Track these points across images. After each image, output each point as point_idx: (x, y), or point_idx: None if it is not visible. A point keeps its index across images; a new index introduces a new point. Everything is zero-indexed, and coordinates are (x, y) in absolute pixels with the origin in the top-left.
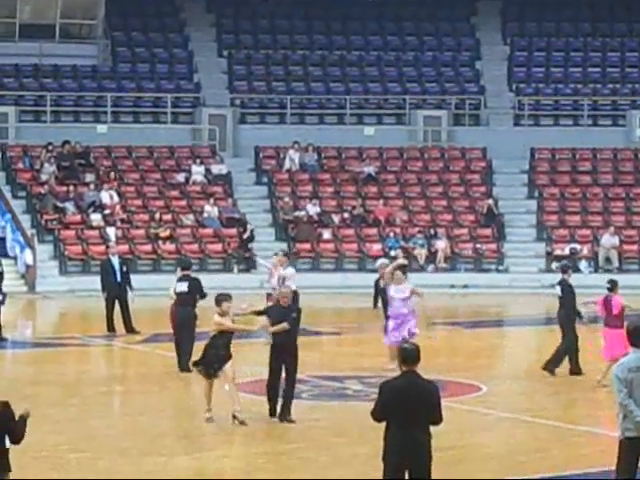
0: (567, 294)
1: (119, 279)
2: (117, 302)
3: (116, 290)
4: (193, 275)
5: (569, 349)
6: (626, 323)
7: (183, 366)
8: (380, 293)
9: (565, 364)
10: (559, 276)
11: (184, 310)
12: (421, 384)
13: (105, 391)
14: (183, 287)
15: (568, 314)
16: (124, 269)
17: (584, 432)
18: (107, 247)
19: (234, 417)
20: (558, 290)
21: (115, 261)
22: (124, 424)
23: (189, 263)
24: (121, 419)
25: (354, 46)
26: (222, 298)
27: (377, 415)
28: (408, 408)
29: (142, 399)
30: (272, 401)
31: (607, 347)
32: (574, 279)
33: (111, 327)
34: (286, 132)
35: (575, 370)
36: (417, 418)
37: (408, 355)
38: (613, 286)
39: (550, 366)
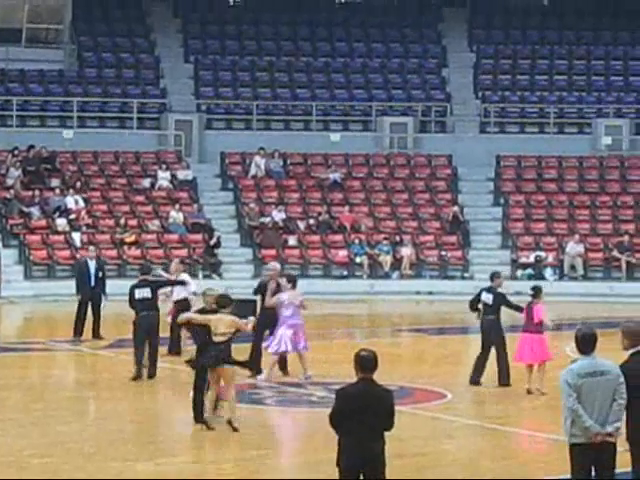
0: (497, 303)
1: (93, 283)
2: (89, 306)
3: (89, 294)
4: (152, 278)
5: (482, 357)
6: (575, 330)
7: (152, 374)
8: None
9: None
10: (522, 284)
11: (151, 315)
12: (377, 391)
13: (70, 396)
14: (145, 292)
15: (498, 322)
16: (100, 274)
17: (546, 439)
18: (86, 250)
19: (229, 422)
20: (488, 299)
21: (92, 265)
22: (89, 429)
23: (149, 268)
24: (86, 424)
25: (320, 52)
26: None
27: (333, 421)
28: (362, 415)
29: (107, 404)
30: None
31: (525, 351)
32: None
33: (79, 331)
34: (252, 138)
35: (503, 381)
36: (371, 425)
37: (366, 362)
38: (537, 292)
39: (503, 380)
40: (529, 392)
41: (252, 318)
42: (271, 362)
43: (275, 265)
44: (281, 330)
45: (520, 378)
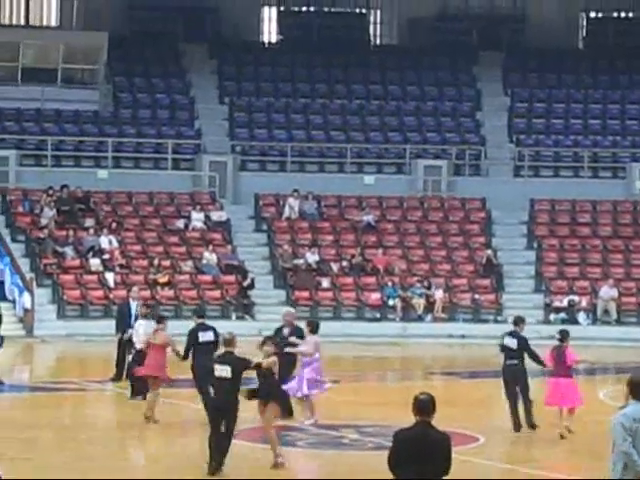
0: (521, 348)
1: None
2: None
3: (130, 336)
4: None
5: (511, 403)
6: (629, 375)
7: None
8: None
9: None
10: (555, 328)
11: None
12: (434, 435)
13: (99, 436)
14: (209, 336)
15: (523, 367)
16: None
17: None
18: (128, 291)
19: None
20: (513, 343)
21: (134, 306)
22: (119, 471)
23: (203, 311)
24: (117, 465)
25: (355, 95)
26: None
27: (391, 464)
28: (419, 459)
29: (140, 446)
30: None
31: (556, 396)
32: (573, 330)
33: (119, 373)
34: (286, 180)
35: (516, 428)
36: (427, 470)
37: (423, 406)
38: (564, 336)
39: (529, 422)
40: (562, 437)
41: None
42: (307, 406)
43: (289, 310)
44: (312, 374)
45: (552, 422)
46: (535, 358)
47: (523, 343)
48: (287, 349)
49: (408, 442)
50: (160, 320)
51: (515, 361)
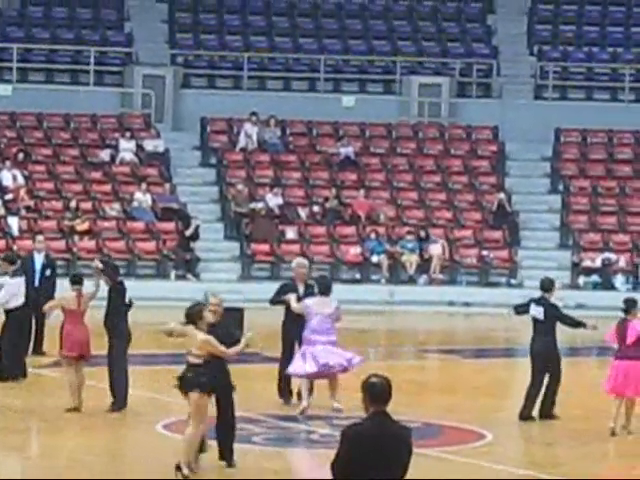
0: (551, 318)
1: (38, 283)
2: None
3: (33, 297)
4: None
5: (534, 389)
6: None
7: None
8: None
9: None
10: (586, 294)
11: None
12: (394, 429)
13: (1, 428)
14: None
15: (554, 344)
16: (48, 272)
17: None
18: (30, 240)
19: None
20: (539, 312)
21: (38, 260)
22: (26, 470)
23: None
24: (19, 464)
25: None
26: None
27: (338, 469)
28: (376, 460)
29: (46, 440)
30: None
31: (617, 382)
32: (607, 297)
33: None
34: (242, 100)
35: (525, 415)
36: (386, 472)
37: (379, 392)
38: (629, 307)
39: (546, 411)
40: (613, 434)
41: (249, 334)
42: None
43: (303, 262)
44: (304, 347)
45: (584, 415)
46: (571, 322)
47: (552, 312)
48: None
49: (362, 440)
50: (78, 281)
51: (543, 335)
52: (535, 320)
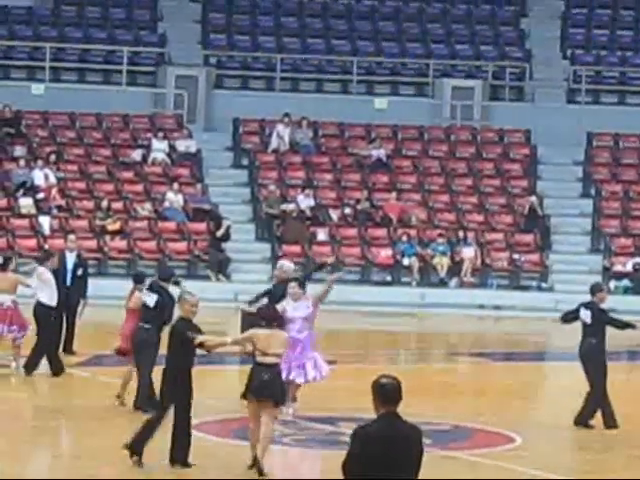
0: (599, 322)
1: (70, 283)
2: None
3: (64, 296)
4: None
5: (597, 395)
6: None
7: (140, 402)
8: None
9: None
10: (617, 299)
11: (144, 329)
12: (404, 430)
13: (33, 426)
14: (150, 299)
15: (599, 347)
16: (79, 272)
17: None
18: (62, 239)
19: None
20: (587, 316)
21: (70, 259)
22: (55, 469)
23: (169, 273)
24: (51, 463)
25: None
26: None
27: (348, 469)
28: (388, 461)
29: (78, 438)
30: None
31: None
32: (638, 302)
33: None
34: (274, 101)
35: (610, 423)
36: (398, 474)
37: (389, 393)
38: None
39: (582, 419)
40: None
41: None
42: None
43: (289, 265)
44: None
45: (620, 420)
46: (620, 324)
47: (599, 316)
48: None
49: (373, 441)
50: (141, 280)
51: (591, 339)
52: (584, 324)
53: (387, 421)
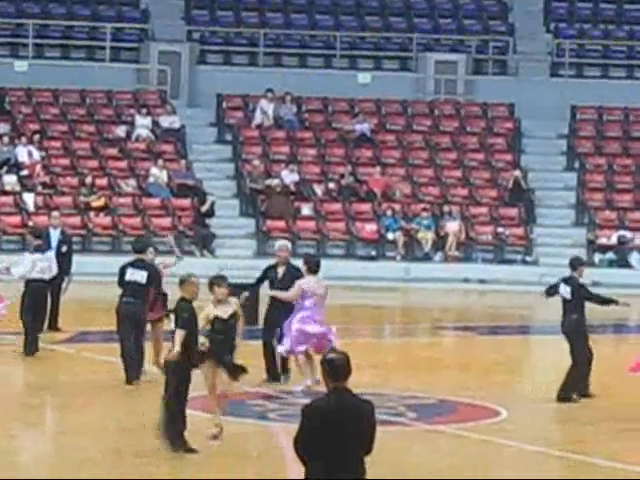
0: (579, 297)
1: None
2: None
3: None
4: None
5: (580, 367)
6: None
7: (130, 378)
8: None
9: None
10: (601, 272)
11: (134, 305)
12: (354, 404)
13: (20, 404)
14: (139, 276)
15: (579, 322)
16: (64, 248)
17: (632, 472)
18: (45, 216)
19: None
20: (567, 292)
21: (54, 235)
22: (41, 446)
23: (145, 245)
24: (38, 439)
25: None
26: (215, 282)
27: (299, 445)
28: (337, 435)
29: (63, 414)
30: None
31: None
32: (623, 275)
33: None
34: (258, 77)
35: (584, 393)
36: (348, 447)
37: (338, 368)
38: None
39: (564, 394)
40: None
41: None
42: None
43: (286, 244)
44: (297, 325)
45: (602, 394)
46: (601, 300)
47: (578, 292)
48: (272, 293)
49: (322, 415)
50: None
51: (572, 315)
52: (564, 299)
53: (336, 395)
